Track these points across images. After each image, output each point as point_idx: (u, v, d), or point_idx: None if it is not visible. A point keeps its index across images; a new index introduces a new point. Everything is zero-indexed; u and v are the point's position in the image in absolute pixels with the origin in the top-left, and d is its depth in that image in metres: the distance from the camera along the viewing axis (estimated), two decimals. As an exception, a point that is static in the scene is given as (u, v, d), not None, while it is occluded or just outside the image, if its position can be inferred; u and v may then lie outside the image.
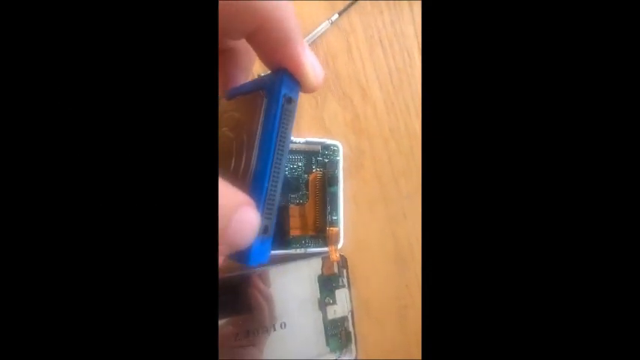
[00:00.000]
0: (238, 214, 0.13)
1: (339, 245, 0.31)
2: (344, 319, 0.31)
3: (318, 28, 0.31)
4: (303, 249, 0.30)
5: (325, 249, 0.31)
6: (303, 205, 0.30)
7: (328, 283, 0.31)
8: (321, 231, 0.30)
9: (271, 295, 0.29)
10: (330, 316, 0.30)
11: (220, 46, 0.16)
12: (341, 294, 0.30)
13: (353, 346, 0.31)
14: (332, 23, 0.32)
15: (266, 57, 0.15)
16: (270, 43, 0.14)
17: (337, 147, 0.31)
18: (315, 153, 0.31)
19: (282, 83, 0.14)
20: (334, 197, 0.31)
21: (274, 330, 0.30)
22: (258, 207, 0.14)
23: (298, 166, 0.30)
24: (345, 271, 0.31)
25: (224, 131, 0.16)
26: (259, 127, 0.15)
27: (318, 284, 0.31)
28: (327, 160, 0.31)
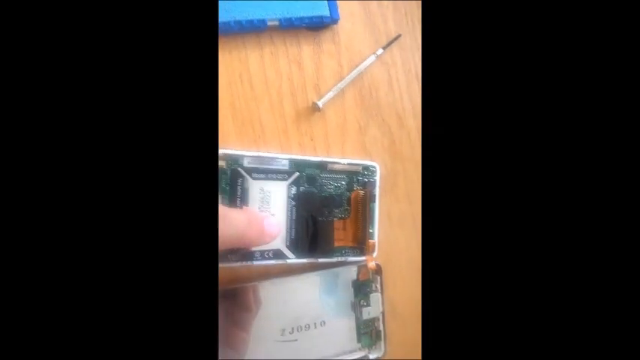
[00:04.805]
0: (267, 219, 0.29)
1: (374, 255, 0.35)
2: (375, 319, 0.35)
3: (365, 62, 0.35)
4: (343, 258, 0.34)
5: (360, 258, 0.35)
6: (345, 220, 0.34)
7: (363, 288, 0.35)
8: (360, 242, 0.34)
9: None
10: (364, 316, 0.34)
11: None
12: (374, 297, 0.35)
13: (382, 343, 0.35)
14: (377, 57, 0.35)
15: None
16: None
17: (375, 168, 0.35)
18: (357, 173, 0.35)
19: None
20: (372, 213, 0.35)
21: (315, 327, 0.34)
22: None
23: (342, 185, 0.34)
24: (378, 277, 0.35)
25: None
26: None
27: (353, 289, 0.35)
28: (366, 180, 0.35)
